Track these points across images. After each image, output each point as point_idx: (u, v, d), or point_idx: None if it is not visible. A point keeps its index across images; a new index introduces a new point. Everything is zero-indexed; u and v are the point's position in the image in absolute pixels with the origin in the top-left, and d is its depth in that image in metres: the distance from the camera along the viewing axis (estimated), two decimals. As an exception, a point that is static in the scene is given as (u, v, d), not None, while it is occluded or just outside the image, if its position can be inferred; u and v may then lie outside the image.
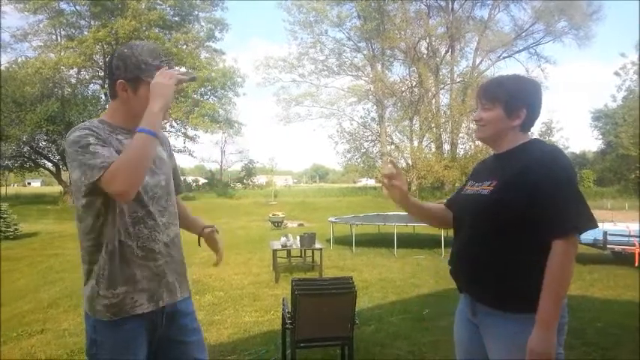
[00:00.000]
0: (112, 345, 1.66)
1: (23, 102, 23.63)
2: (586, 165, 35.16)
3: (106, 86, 28.54)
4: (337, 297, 3.55)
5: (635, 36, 61.67)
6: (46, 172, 30.12)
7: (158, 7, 28.50)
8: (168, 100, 1.62)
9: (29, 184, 66.16)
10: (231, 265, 8.56)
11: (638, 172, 30.70)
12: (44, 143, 27.32)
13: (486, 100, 1.80)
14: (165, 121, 1.79)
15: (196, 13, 30.71)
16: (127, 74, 1.66)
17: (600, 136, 36.31)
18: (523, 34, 33.75)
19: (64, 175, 27.89)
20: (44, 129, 24.06)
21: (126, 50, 1.69)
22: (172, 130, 30.40)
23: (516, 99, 1.75)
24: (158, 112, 1.60)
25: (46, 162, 28.69)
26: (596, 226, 1.65)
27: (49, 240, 12.59)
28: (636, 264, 7.97)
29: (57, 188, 30.74)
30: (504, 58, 34.57)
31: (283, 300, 4.04)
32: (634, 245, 8.17)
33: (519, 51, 34.79)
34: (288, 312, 3.67)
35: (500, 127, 1.77)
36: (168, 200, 1.81)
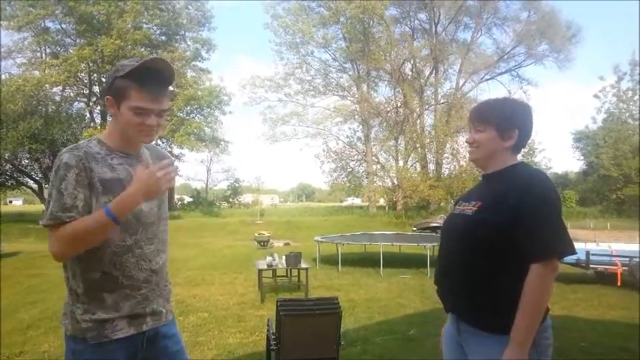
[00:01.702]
0: None
1: (5, 119, 23.34)
2: (568, 185, 35.64)
3: (91, 104, 28.60)
4: (322, 318, 3.53)
5: (612, 59, 63.33)
6: (28, 190, 29.66)
7: (144, 26, 28.61)
8: (151, 195, 1.60)
9: (11, 202, 65.03)
10: (216, 285, 8.48)
11: (619, 192, 31.21)
12: (27, 161, 27.01)
13: (479, 122, 1.83)
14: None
15: (183, 32, 30.89)
16: (108, 82, 1.67)
17: (582, 157, 36.88)
18: (505, 56, 34.52)
19: (47, 194, 27.51)
20: (27, 147, 23.76)
21: (112, 67, 1.76)
22: (161, 148, 30.23)
23: (508, 121, 1.79)
24: (130, 201, 1.56)
25: (29, 180, 28.31)
26: (575, 252, 1.68)
27: (31, 260, 12.35)
28: (618, 284, 8.06)
29: (39, 207, 30.28)
30: (487, 80, 35.27)
31: (268, 321, 4.01)
32: (616, 265, 8.26)
33: (501, 73, 35.54)
34: (273, 333, 3.63)
35: (494, 148, 1.80)
36: (159, 227, 1.78)
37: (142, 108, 1.65)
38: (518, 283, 1.60)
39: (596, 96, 34.55)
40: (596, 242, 10.10)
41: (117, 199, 1.55)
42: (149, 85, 1.66)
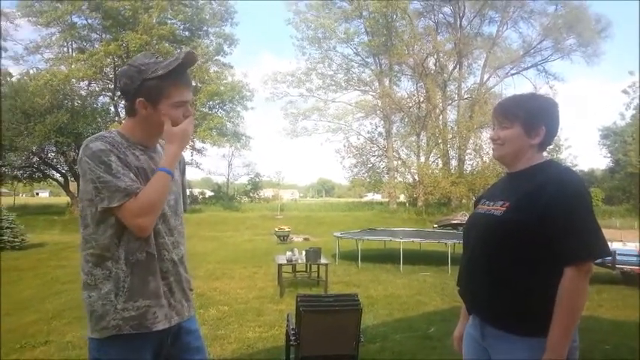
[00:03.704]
0: None
1: (32, 113, 23.86)
2: (594, 183, 34.92)
3: (116, 98, 29.00)
4: (342, 314, 3.52)
5: (643, 54, 61.62)
6: (54, 182, 30.27)
7: (168, 21, 28.89)
8: (187, 143, 1.78)
9: (37, 194, 66.57)
10: (236, 279, 8.55)
11: (646, 190, 30.44)
12: (53, 154, 27.54)
13: (504, 118, 1.77)
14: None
15: (205, 28, 31.09)
16: (134, 84, 1.66)
17: (609, 154, 36.18)
18: (531, 50, 33.87)
19: (72, 186, 28.04)
20: (53, 140, 24.25)
21: (124, 67, 1.74)
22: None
23: (535, 117, 1.73)
24: (178, 155, 1.73)
25: (55, 173, 28.89)
26: (609, 254, 1.62)
27: (56, 251, 12.62)
28: (645, 284, 7.86)
29: (64, 199, 30.88)
30: (512, 74, 34.70)
31: (288, 316, 4.01)
32: (643, 265, 8.06)
33: (527, 68, 34.90)
34: (292, 328, 3.64)
35: (520, 145, 1.75)
36: (177, 219, 1.80)
37: (183, 101, 1.72)
38: (546, 284, 1.56)
39: (624, 91, 33.76)
40: (622, 242, 9.85)
41: (165, 160, 1.69)
42: (183, 77, 1.71)
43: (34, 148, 24.92)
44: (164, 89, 1.65)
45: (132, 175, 1.62)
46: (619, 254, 8.10)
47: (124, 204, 1.56)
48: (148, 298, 1.64)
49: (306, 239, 16.42)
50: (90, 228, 1.64)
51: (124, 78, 1.69)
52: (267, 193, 42.43)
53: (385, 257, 10.89)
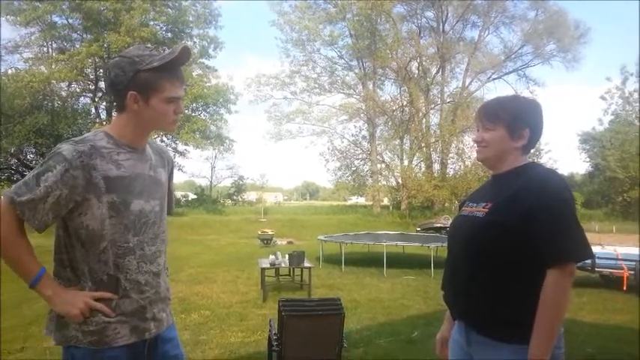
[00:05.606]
0: None
1: (12, 114, 23.43)
2: (574, 187, 35.41)
3: (97, 99, 28.64)
4: (325, 318, 3.50)
5: (621, 60, 62.89)
6: (33, 185, 29.71)
7: (151, 22, 28.61)
8: (60, 309, 1.60)
9: (16, 196, 65.26)
10: (218, 283, 8.47)
11: (625, 194, 31.00)
12: (32, 156, 27.07)
13: (488, 120, 1.75)
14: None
15: (189, 30, 30.85)
16: (127, 76, 1.57)
17: (588, 159, 36.67)
18: (512, 56, 34.34)
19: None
20: (32, 141, 23.85)
21: (116, 58, 1.64)
22: (162, 144, 30.16)
23: (519, 120, 1.72)
24: (52, 303, 1.62)
25: (34, 175, 28.39)
26: (592, 256, 1.61)
27: (35, 254, 12.29)
28: (624, 288, 7.97)
29: (43, 201, 30.34)
30: (494, 79, 35.06)
31: (270, 321, 3.98)
32: (622, 269, 8.18)
33: (508, 73, 35.33)
34: (274, 333, 3.60)
35: (503, 148, 1.73)
36: (160, 226, 1.72)
37: (176, 97, 1.64)
38: (531, 288, 1.54)
39: (602, 97, 34.31)
40: (601, 245, 10.00)
41: (53, 290, 1.60)
42: (178, 72, 1.64)
43: (12, 149, 24.48)
44: (158, 82, 1.58)
45: (57, 193, 1.50)
46: (598, 258, 8.21)
47: (10, 200, 1.51)
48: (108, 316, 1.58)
49: (289, 242, 16.37)
50: (58, 241, 1.61)
51: (116, 69, 1.59)
52: (250, 196, 42.16)
53: (369, 260, 10.89)
